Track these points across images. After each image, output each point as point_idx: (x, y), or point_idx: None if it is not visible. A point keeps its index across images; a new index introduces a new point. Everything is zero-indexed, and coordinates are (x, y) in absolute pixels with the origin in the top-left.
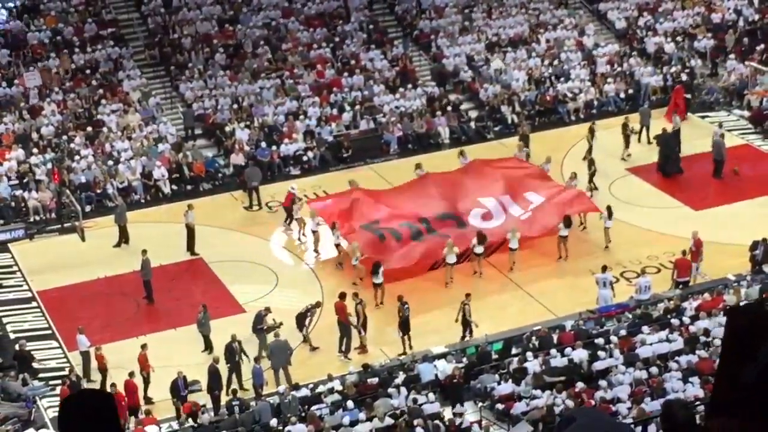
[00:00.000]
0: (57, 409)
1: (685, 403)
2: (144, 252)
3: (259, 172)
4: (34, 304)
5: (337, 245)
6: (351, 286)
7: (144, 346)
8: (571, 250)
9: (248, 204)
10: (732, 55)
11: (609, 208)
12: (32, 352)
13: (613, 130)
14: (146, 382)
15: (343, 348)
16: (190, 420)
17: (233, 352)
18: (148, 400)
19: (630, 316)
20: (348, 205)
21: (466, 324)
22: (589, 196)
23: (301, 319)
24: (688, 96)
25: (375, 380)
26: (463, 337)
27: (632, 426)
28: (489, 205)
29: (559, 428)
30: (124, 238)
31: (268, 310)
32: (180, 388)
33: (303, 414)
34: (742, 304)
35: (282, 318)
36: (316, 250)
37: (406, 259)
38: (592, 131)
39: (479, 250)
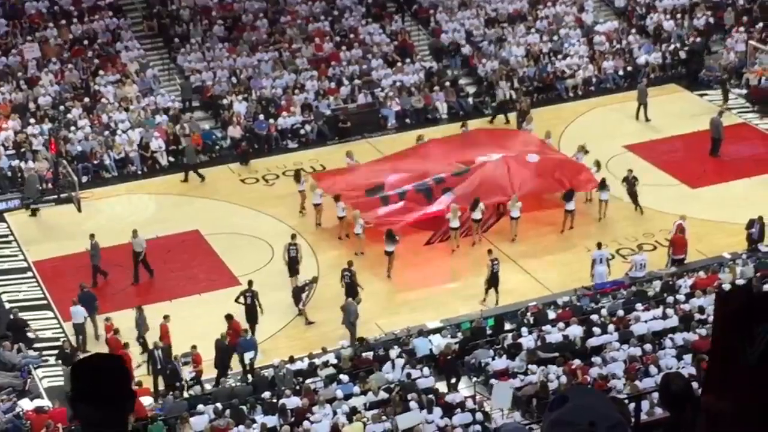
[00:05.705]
0: (52, 379)
1: (683, 375)
2: (92, 236)
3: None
4: (29, 274)
5: (341, 218)
6: (353, 258)
7: (166, 317)
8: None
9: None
10: (735, 34)
11: (603, 181)
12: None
13: (612, 108)
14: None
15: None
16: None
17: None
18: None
19: (625, 293)
20: (351, 175)
21: (491, 284)
22: (593, 172)
23: (298, 293)
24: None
25: (370, 354)
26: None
27: (626, 402)
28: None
29: (551, 407)
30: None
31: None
32: (158, 362)
33: (297, 387)
34: (731, 287)
35: (278, 292)
36: (318, 224)
37: (410, 213)
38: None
39: (477, 215)
